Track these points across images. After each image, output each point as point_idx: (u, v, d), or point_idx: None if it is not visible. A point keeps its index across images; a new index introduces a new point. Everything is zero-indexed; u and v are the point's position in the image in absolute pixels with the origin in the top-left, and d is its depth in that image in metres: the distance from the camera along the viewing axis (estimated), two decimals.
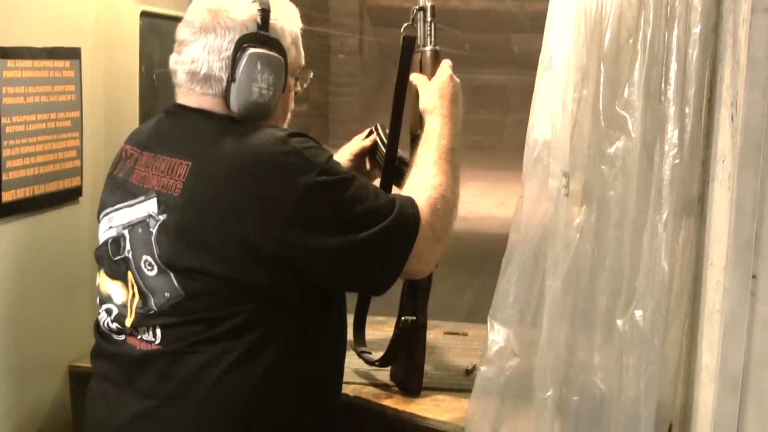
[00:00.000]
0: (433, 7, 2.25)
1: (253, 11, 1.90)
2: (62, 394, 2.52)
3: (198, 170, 1.81)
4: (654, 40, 1.81)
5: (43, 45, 2.32)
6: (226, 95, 1.89)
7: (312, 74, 2.09)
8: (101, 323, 1.97)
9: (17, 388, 2.34)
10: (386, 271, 1.90)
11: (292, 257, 1.79)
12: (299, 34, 2.01)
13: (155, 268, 1.82)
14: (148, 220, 1.84)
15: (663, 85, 1.81)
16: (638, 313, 1.81)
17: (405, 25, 2.28)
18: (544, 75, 1.94)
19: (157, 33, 2.79)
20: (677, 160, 1.78)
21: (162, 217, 1.82)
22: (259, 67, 1.88)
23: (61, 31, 2.40)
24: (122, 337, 1.91)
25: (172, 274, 1.81)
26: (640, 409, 1.81)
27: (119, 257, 1.90)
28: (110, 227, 1.94)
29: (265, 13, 1.91)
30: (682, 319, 1.85)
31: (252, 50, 1.88)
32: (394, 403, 2.30)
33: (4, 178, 2.19)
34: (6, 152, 2.20)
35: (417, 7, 2.26)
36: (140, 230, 1.85)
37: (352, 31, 16.79)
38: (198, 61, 1.89)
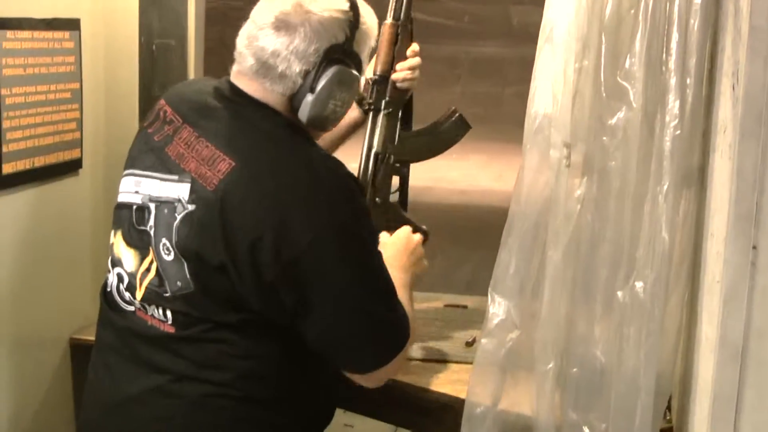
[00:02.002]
0: None
1: (343, 21, 1.85)
2: (63, 366, 2.53)
3: (239, 174, 1.76)
4: (655, 10, 1.79)
5: (42, 16, 2.31)
6: (294, 99, 1.84)
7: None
8: (110, 287, 1.93)
9: (18, 361, 2.34)
10: (367, 355, 1.87)
11: (291, 289, 1.77)
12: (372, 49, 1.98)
13: (172, 253, 1.80)
14: (176, 204, 1.80)
15: (664, 55, 1.80)
16: (638, 284, 1.81)
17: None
18: (545, 46, 1.93)
19: (157, 4, 2.77)
20: (678, 131, 1.78)
21: (190, 207, 1.78)
22: (339, 84, 1.83)
23: (60, 2, 2.39)
24: (131, 308, 1.89)
25: (185, 265, 1.79)
26: (639, 380, 1.81)
27: (142, 228, 1.86)
28: (137, 192, 1.88)
29: (354, 23, 1.86)
30: (682, 290, 1.85)
31: (337, 67, 1.83)
32: None
33: (4, 150, 2.19)
34: (6, 124, 2.20)
35: None
36: (166, 211, 1.81)
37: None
38: (276, 57, 1.82)
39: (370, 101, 2.28)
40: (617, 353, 1.86)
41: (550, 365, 1.92)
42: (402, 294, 1.95)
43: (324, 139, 2.21)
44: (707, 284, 1.74)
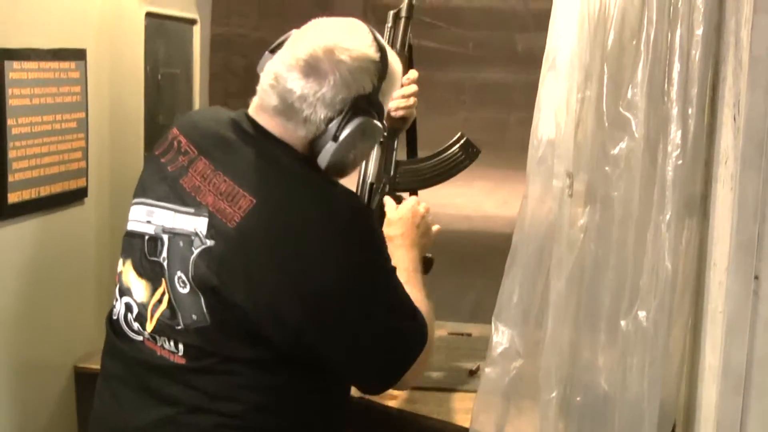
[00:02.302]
0: (395, 13, 2.31)
1: (372, 71, 1.83)
2: (67, 394, 2.53)
3: (261, 212, 1.74)
4: (657, 40, 1.81)
5: (49, 46, 2.33)
6: (316, 143, 1.83)
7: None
8: (118, 316, 1.91)
9: (23, 388, 2.35)
10: (392, 370, 1.87)
11: (317, 327, 1.76)
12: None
13: (188, 286, 1.77)
14: (193, 237, 1.77)
15: (666, 85, 1.81)
16: (642, 313, 1.81)
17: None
18: (548, 75, 1.94)
19: (163, 34, 2.80)
20: (680, 161, 1.79)
21: (209, 243, 1.75)
22: (363, 135, 1.83)
23: (66, 33, 2.41)
24: (140, 338, 1.87)
25: (202, 298, 1.76)
26: (643, 408, 1.81)
27: (154, 259, 1.84)
28: (149, 221, 1.86)
29: (382, 74, 1.84)
30: (686, 319, 1.85)
31: (362, 118, 1.81)
32: (398, 403, 2.31)
33: (10, 179, 2.20)
34: (12, 153, 2.21)
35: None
36: (181, 243, 1.78)
37: None
38: (303, 101, 1.79)
39: None
40: (621, 381, 1.86)
41: (554, 393, 1.92)
42: (413, 279, 2.01)
43: None
44: (710, 313, 1.75)
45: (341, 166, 1.86)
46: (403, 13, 2.27)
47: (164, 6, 2.78)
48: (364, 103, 1.82)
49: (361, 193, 2.29)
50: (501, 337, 1.99)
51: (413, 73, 2.31)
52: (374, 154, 2.29)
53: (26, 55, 2.24)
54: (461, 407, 2.26)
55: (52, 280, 2.42)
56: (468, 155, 2.40)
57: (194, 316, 1.77)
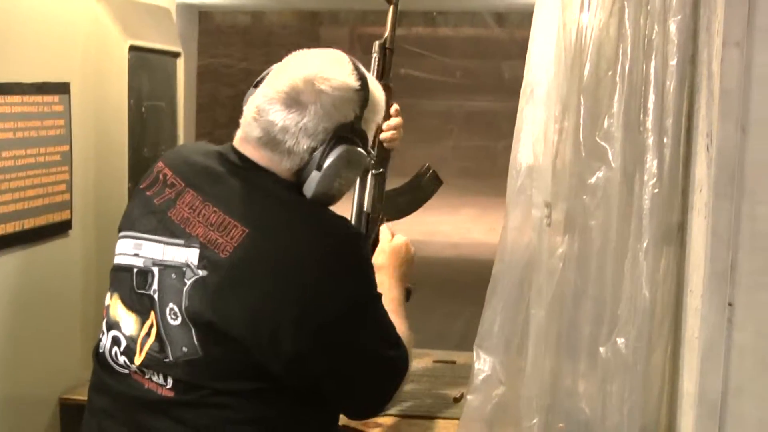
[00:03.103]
0: (377, 44, 2.29)
1: (354, 100, 1.85)
2: (53, 426, 2.53)
3: (255, 241, 1.75)
4: (632, 71, 1.84)
5: (33, 80, 2.34)
6: (301, 174, 1.84)
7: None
8: (104, 350, 1.90)
9: (8, 420, 2.34)
10: (380, 396, 1.92)
11: (315, 357, 1.77)
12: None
13: (179, 318, 1.77)
14: (185, 269, 1.77)
15: (642, 115, 1.84)
16: (620, 340, 1.83)
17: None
18: (526, 107, 1.97)
19: (146, 67, 2.81)
20: (656, 190, 1.81)
21: (201, 273, 1.75)
22: (347, 163, 1.84)
23: (50, 67, 2.42)
24: (126, 371, 1.86)
25: (193, 330, 1.75)
26: None
27: (143, 291, 1.83)
28: (137, 254, 1.86)
29: (364, 102, 1.86)
30: (664, 346, 1.87)
31: (345, 146, 1.83)
32: (382, 430, 2.31)
33: None
34: None
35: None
36: (173, 276, 1.78)
37: None
38: (285, 132, 1.81)
39: None
40: (601, 408, 1.88)
41: (535, 420, 1.93)
42: (398, 311, 2.03)
43: None
44: (687, 340, 1.76)
45: (328, 195, 1.87)
46: (388, 44, 2.29)
47: (147, 39, 2.80)
48: (346, 131, 1.83)
49: (358, 222, 2.30)
50: (483, 364, 2.01)
51: (396, 105, 2.33)
52: (368, 183, 2.30)
53: (10, 89, 2.25)
54: None
55: (36, 312, 2.43)
56: (434, 186, 2.43)
57: (185, 349, 1.77)
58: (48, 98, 2.40)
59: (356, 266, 1.81)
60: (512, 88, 2.04)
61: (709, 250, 1.57)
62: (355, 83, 1.85)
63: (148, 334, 1.82)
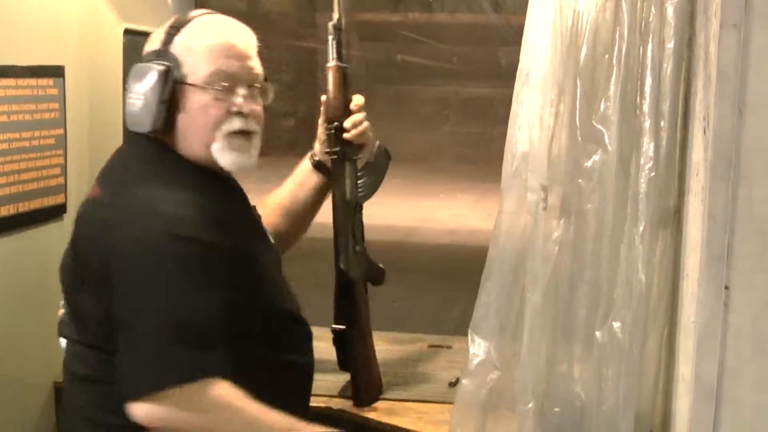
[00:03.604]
0: (333, 25, 2.29)
1: (164, 31, 1.95)
2: (47, 410, 2.53)
3: (93, 202, 1.92)
4: (629, 54, 1.83)
5: (27, 63, 2.33)
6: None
7: (269, 90, 2.01)
8: None
9: (2, 405, 2.34)
10: (139, 379, 1.76)
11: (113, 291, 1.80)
12: (215, 47, 1.92)
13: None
14: None
15: (638, 99, 1.83)
16: (616, 324, 1.83)
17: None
18: (522, 90, 1.96)
19: (140, 50, 2.80)
20: (653, 173, 1.80)
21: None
22: (134, 77, 1.92)
23: (44, 50, 2.41)
24: None
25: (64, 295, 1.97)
26: (619, 419, 1.82)
27: None
28: None
29: (175, 31, 1.93)
30: (660, 330, 1.87)
31: (136, 65, 1.93)
32: (377, 415, 2.30)
33: None
34: None
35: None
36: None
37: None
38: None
39: (336, 149, 2.29)
40: (597, 392, 1.88)
41: (530, 405, 1.93)
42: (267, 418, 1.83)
43: (291, 214, 2.31)
44: (683, 324, 1.76)
45: (130, 117, 1.93)
46: (340, 25, 2.29)
47: (142, 23, 2.78)
48: (151, 56, 1.93)
49: (342, 212, 2.30)
50: (477, 349, 2.01)
51: (359, 98, 2.31)
52: (346, 171, 2.29)
53: (3, 73, 2.24)
54: (440, 419, 2.25)
55: (30, 295, 2.42)
56: (386, 162, 2.41)
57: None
58: (42, 81, 2.39)
59: (163, 230, 1.80)
60: (508, 74, 2.03)
61: (705, 233, 1.56)
62: (166, 27, 1.96)
63: None
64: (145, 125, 1.91)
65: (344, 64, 2.30)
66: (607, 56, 1.87)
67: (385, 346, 2.76)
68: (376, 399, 2.36)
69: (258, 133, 1.97)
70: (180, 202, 1.84)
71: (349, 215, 2.30)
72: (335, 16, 2.29)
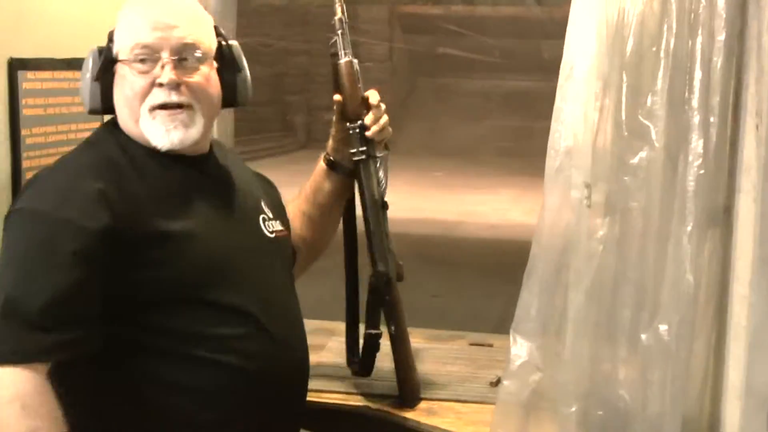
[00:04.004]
0: (340, 20, 2.20)
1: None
2: None
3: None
4: (677, 47, 1.78)
5: (63, 56, 2.31)
6: None
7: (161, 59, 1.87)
8: None
9: None
10: None
11: None
12: (135, 19, 1.90)
13: None
14: None
15: (687, 93, 1.78)
16: (663, 327, 1.78)
17: (331, 42, 2.24)
18: (566, 84, 1.91)
19: None
20: (702, 170, 1.75)
21: None
22: (84, 66, 1.93)
23: (80, 42, 2.38)
24: None
25: None
26: (665, 425, 1.77)
27: None
28: None
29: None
30: (708, 334, 1.81)
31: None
32: (415, 415, 2.27)
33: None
34: (26, 164, 2.20)
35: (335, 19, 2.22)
36: None
37: (381, 38, 16.86)
38: None
39: (363, 149, 2.21)
40: (642, 397, 1.83)
41: (574, 408, 1.89)
42: None
43: (313, 219, 2.27)
44: (733, 328, 1.71)
45: (83, 99, 1.94)
46: (343, 18, 2.22)
47: None
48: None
49: (373, 213, 2.24)
50: (519, 349, 1.96)
51: (375, 94, 2.24)
52: (371, 171, 2.23)
53: (39, 65, 2.23)
54: (480, 420, 2.21)
55: None
56: (388, 153, 2.34)
57: None
58: (78, 74, 2.37)
59: (35, 200, 1.77)
60: (551, 68, 1.99)
61: (757, 234, 1.51)
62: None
63: None
64: (85, 106, 1.92)
65: (355, 59, 2.23)
66: (654, 49, 1.81)
67: (424, 344, 2.73)
68: (420, 399, 2.31)
69: (194, 106, 1.89)
70: (68, 181, 1.79)
71: (381, 214, 2.25)
72: (338, 8, 2.20)
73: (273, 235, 2.04)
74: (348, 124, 2.21)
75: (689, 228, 1.75)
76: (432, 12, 14.80)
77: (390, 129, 2.26)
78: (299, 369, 2.01)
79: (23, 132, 2.18)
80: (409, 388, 2.31)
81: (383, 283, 2.23)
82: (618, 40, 1.84)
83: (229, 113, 3.20)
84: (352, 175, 2.26)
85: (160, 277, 1.78)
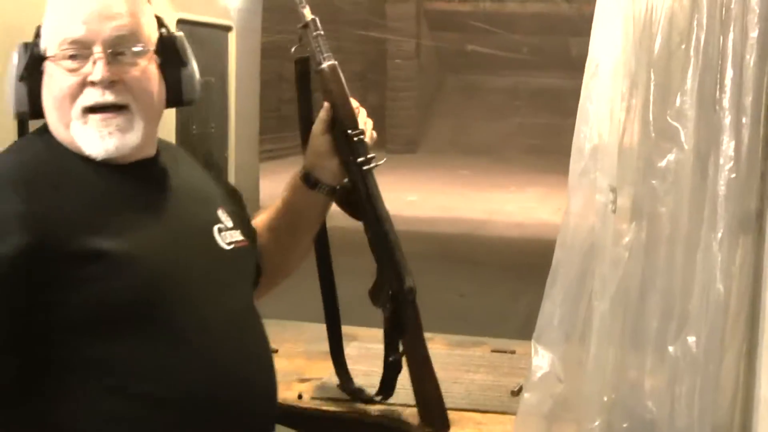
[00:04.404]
0: (314, 20, 2.02)
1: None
2: None
3: None
4: (708, 44, 1.71)
5: None
6: None
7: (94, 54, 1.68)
8: None
9: None
10: None
11: None
12: (61, 13, 1.70)
13: None
14: None
15: (718, 93, 1.71)
16: (691, 338, 1.71)
17: (294, 48, 2.07)
18: (591, 83, 1.86)
19: (196, 41, 2.72)
20: (733, 174, 1.68)
21: None
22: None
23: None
24: None
25: None
26: None
27: None
28: None
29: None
30: (739, 345, 1.74)
31: None
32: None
33: None
34: None
35: (301, 24, 2.04)
36: None
37: (408, 35, 16.86)
38: None
39: (371, 156, 2.05)
40: (669, 410, 1.77)
41: (597, 422, 1.83)
42: None
43: (280, 240, 2.09)
44: (766, 340, 1.63)
45: (8, 102, 1.74)
46: (314, 32, 2.07)
47: (196, 12, 2.72)
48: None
49: (388, 222, 2.09)
50: (541, 360, 1.91)
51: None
52: (371, 177, 2.08)
53: None
54: (502, 430, 2.15)
55: None
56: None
57: None
58: None
59: None
60: (579, 65, 1.93)
61: None
62: None
63: None
64: (11, 110, 1.73)
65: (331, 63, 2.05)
66: (683, 46, 1.75)
67: (446, 350, 2.69)
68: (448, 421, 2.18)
69: (131, 107, 1.71)
70: None
71: (393, 227, 2.09)
72: (306, 10, 2.03)
73: (230, 247, 1.83)
74: (348, 131, 2.03)
75: (720, 234, 1.69)
76: (460, 9, 14.77)
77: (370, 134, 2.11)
78: (254, 397, 1.79)
79: None
80: (435, 413, 2.19)
81: (411, 301, 2.09)
82: (646, 36, 1.78)
83: (254, 113, 3.15)
84: (332, 195, 2.09)
85: (90, 299, 1.60)
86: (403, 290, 2.08)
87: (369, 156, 2.05)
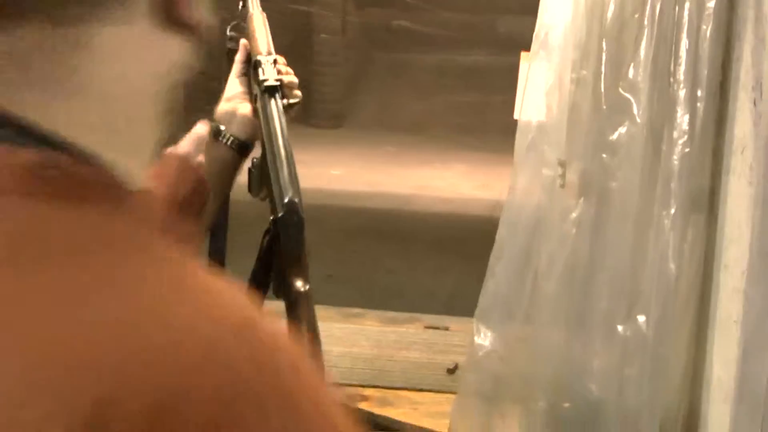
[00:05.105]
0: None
1: None
2: None
3: None
4: (663, 14, 1.66)
5: None
6: None
7: None
8: None
9: None
10: None
11: None
12: None
13: None
14: None
15: (672, 65, 1.67)
16: (641, 318, 1.68)
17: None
18: (539, 52, 1.81)
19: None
20: (687, 149, 1.64)
21: None
22: None
23: None
24: None
25: None
26: (641, 421, 1.68)
27: None
28: None
29: None
30: (690, 326, 1.71)
31: None
32: (368, 405, 2.15)
33: None
34: None
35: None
36: None
37: (335, 10, 16.69)
38: None
39: (279, 77, 1.87)
40: (616, 392, 1.72)
41: (540, 403, 1.79)
42: None
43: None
44: (720, 322, 1.59)
45: None
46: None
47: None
48: None
49: (285, 138, 1.88)
50: (483, 339, 1.87)
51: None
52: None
53: None
54: (438, 411, 2.11)
55: None
56: None
57: None
58: None
59: None
60: (508, 43, 1.86)
61: (757, 221, 1.38)
62: None
63: None
64: None
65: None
66: (637, 16, 1.70)
67: (379, 327, 2.62)
68: None
69: None
70: None
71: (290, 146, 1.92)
72: None
73: None
74: (259, 58, 1.83)
75: (673, 212, 1.65)
76: None
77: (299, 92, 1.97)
78: None
79: None
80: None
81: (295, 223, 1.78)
82: (597, 4, 1.74)
83: None
84: (238, 152, 1.86)
85: None
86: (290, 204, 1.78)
87: (277, 77, 1.86)
